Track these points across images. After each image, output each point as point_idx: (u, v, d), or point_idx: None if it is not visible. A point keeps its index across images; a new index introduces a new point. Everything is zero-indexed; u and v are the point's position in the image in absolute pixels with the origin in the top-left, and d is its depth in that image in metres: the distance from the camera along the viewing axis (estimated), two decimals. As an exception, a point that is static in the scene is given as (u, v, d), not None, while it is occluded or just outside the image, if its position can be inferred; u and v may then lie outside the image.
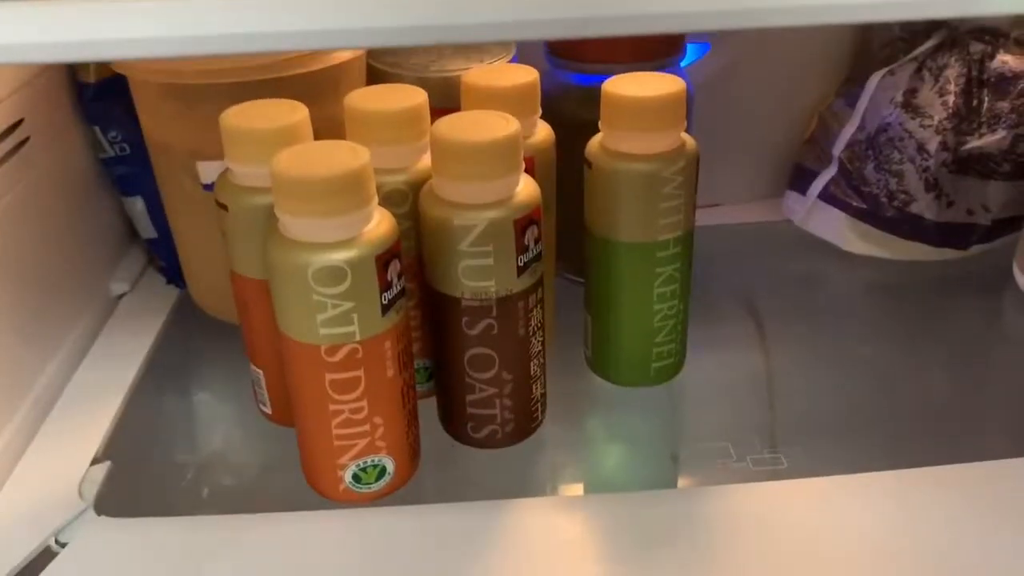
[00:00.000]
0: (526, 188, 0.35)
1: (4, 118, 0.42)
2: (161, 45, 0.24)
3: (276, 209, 0.31)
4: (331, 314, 0.32)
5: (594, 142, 0.39)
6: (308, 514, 0.36)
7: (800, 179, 0.56)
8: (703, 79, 0.55)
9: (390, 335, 0.33)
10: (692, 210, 0.39)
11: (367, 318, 0.32)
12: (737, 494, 0.37)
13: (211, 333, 0.48)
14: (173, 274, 0.52)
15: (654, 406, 0.43)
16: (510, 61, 0.46)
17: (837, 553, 0.34)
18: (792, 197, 0.56)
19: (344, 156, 0.31)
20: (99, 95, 0.47)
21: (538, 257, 0.36)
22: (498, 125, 0.34)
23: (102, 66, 0.47)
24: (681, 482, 0.40)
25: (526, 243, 0.35)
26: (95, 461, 0.40)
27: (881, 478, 0.37)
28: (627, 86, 0.37)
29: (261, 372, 0.39)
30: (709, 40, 0.54)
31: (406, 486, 0.37)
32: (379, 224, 0.32)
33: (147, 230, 0.52)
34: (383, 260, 0.32)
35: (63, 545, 0.35)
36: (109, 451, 0.40)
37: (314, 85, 0.41)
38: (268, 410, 0.40)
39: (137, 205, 0.51)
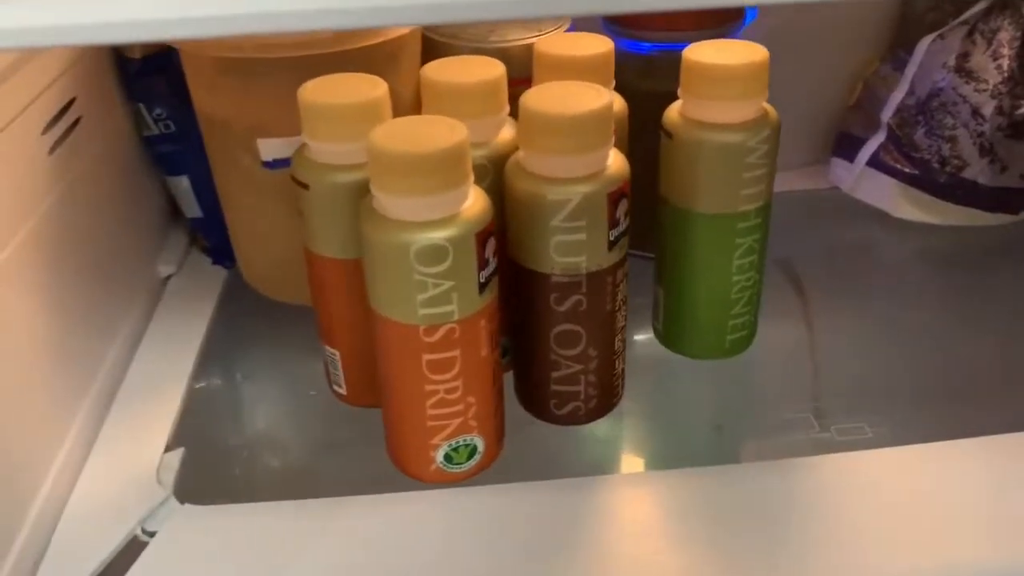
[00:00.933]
0: (616, 160, 0.34)
1: (57, 98, 0.40)
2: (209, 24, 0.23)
3: (373, 187, 0.31)
4: (432, 294, 0.31)
5: (673, 111, 0.38)
6: (399, 495, 0.36)
7: (847, 146, 0.55)
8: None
9: (485, 313, 0.33)
10: (772, 180, 0.38)
11: (466, 297, 0.31)
12: (827, 464, 0.36)
13: (264, 314, 0.47)
14: (219, 254, 0.51)
15: (729, 378, 0.43)
16: (567, 29, 0.45)
17: (935, 520, 0.34)
18: (839, 164, 0.56)
19: (442, 132, 0.30)
20: (144, 72, 0.46)
21: (627, 231, 0.35)
22: (589, 96, 0.33)
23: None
24: (765, 454, 0.39)
25: (617, 217, 0.34)
26: (168, 448, 0.39)
27: (964, 445, 0.37)
28: (710, 54, 0.36)
29: (337, 353, 0.39)
30: (756, 5, 0.54)
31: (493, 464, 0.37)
32: (476, 201, 0.31)
33: (192, 209, 0.50)
34: (482, 237, 0.31)
35: (150, 534, 0.35)
36: (180, 437, 0.40)
37: (373, 59, 0.40)
38: (343, 391, 0.40)
39: (182, 184, 0.50)
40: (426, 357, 0.32)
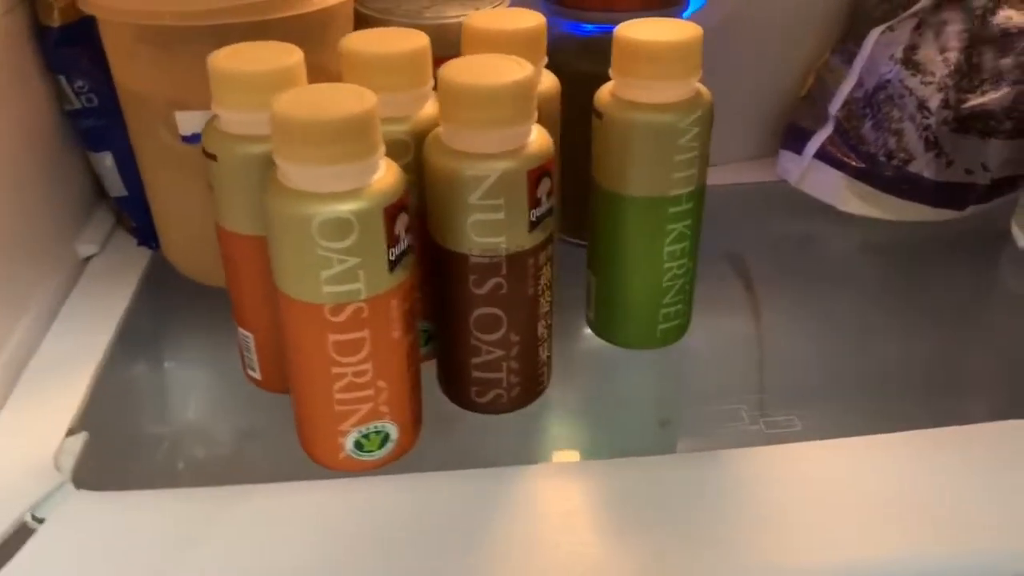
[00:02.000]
0: (539, 137, 0.33)
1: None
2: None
3: (276, 156, 0.29)
4: (336, 270, 0.29)
5: (604, 91, 0.37)
6: (303, 484, 0.34)
7: (795, 138, 0.54)
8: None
9: (397, 293, 0.31)
10: (705, 164, 0.37)
11: (374, 275, 0.30)
12: (753, 457, 0.35)
13: (187, 296, 0.45)
14: (145, 235, 0.49)
15: (660, 369, 0.42)
16: (508, 7, 0.44)
17: (856, 512, 0.32)
18: (787, 157, 0.55)
19: (350, 100, 0.29)
20: (63, 41, 0.44)
21: (550, 212, 0.34)
22: (511, 68, 0.32)
23: (67, 8, 0.43)
24: (694, 446, 0.38)
25: (539, 196, 0.33)
26: (70, 432, 0.37)
27: (891, 439, 0.36)
28: (642, 31, 0.35)
29: (251, 335, 0.37)
30: (705, -7, 0.53)
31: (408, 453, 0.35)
32: (387, 174, 0.30)
33: (117, 188, 0.48)
34: (392, 212, 0.30)
35: (40, 521, 0.33)
36: (84, 421, 0.38)
37: (300, 30, 0.38)
38: (257, 376, 0.38)
39: (106, 161, 0.48)
40: (332, 338, 0.31)
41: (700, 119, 0.35)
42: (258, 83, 0.32)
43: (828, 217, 0.53)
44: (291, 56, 0.33)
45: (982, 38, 0.49)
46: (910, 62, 0.50)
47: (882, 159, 0.51)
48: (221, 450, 0.39)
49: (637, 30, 0.35)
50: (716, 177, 0.56)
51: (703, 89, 0.36)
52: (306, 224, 0.29)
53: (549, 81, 0.38)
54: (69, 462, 0.35)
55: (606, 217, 0.38)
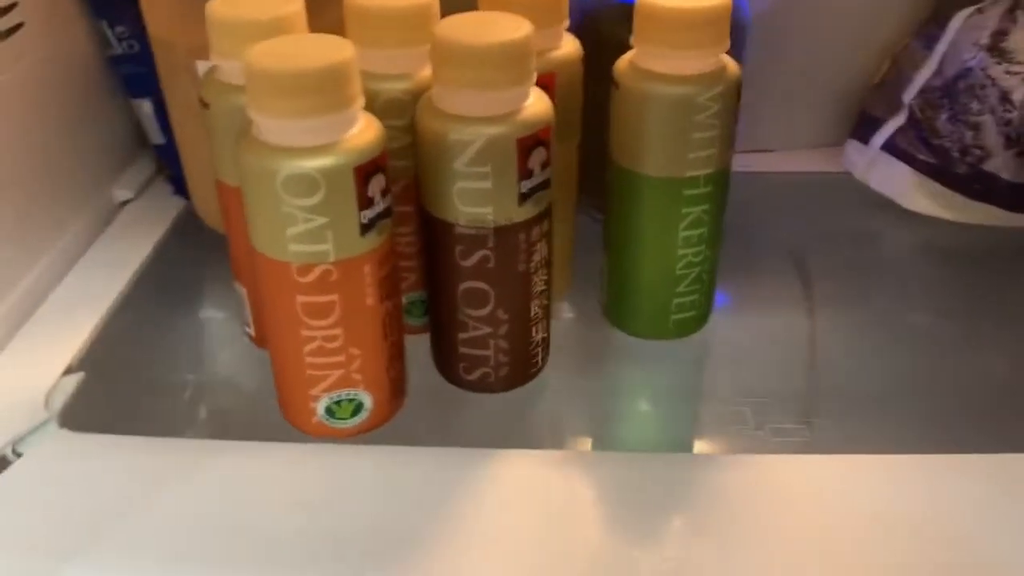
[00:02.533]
0: (536, 104, 0.31)
1: (-6, 0, 0.39)
2: None
3: (248, 107, 0.28)
4: (302, 229, 0.28)
5: (624, 60, 0.34)
6: (274, 445, 0.33)
7: (864, 127, 0.50)
8: (763, 8, 0.50)
9: (370, 258, 0.30)
10: (729, 145, 0.34)
11: (343, 237, 0.29)
12: (738, 464, 0.33)
13: (211, 247, 0.45)
14: (180, 184, 0.49)
15: (671, 361, 0.39)
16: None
17: (831, 537, 0.29)
18: (853, 147, 0.51)
19: (326, 50, 0.28)
20: (106, -14, 0.44)
21: (545, 185, 0.32)
22: (508, 27, 0.30)
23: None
24: (685, 446, 0.36)
25: (530, 167, 0.31)
26: (68, 371, 0.37)
27: (902, 462, 0.33)
28: (665, -3, 0.32)
29: (244, 290, 0.37)
30: (774, -35, 0.49)
31: (389, 425, 0.34)
32: (363, 131, 0.29)
33: (156, 135, 0.49)
34: (363, 172, 0.28)
35: (19, 455, 0.33)
36: (84, 362, 0.38)
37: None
38: (251, 331, 0.38)
39: (144, 108, 0.48)
40: (300, 299, 0.30)
41: (722, 95, 0.33)
42: (253, 30, 0.31)
43: (893, 214, 0.49)
44: (290, 4, 0.32)
45: (1082, 26, 0.44)
46: (996, 49, 0.45)
47: (955, 155, 0.46)
48: (213, 403, 0.39)
49: (661, -5, 0.32)
50: (777, 163, 0.54)
51: (730, 63, 0.33)
52: (271, 179, 0.28)
53: (571, 46, 0.36)
54: (59, 401, 0.36)
55: (620, 196, 0.36)
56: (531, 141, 0.30)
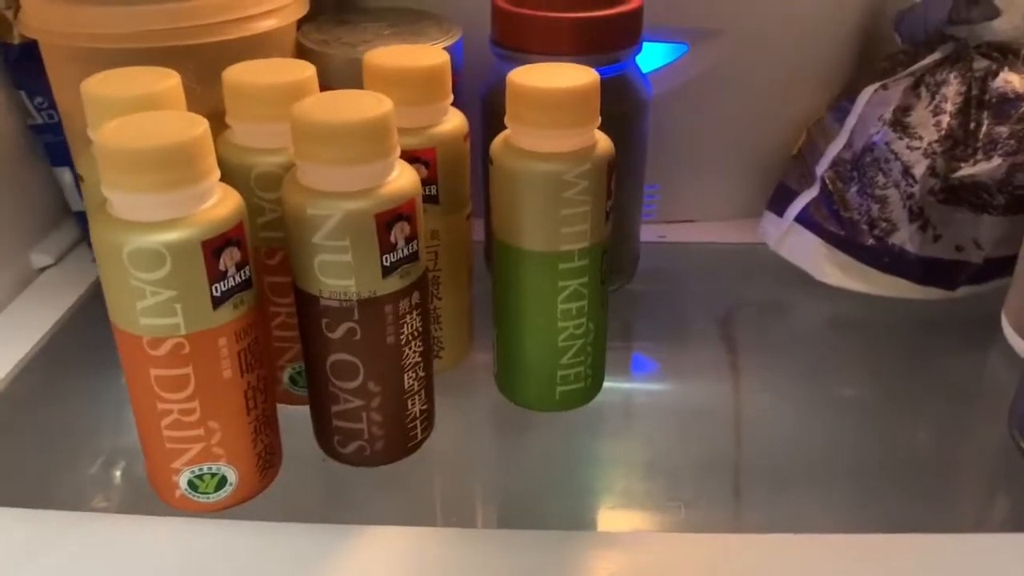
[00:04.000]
0: (400, 178, 0.31)
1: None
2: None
3: (101, 182, 0.28)
4: (151, 302, 0.28)
5: (499, 138, 0.35)
6: (137, 518, 0.33)
7: (780, 199, 0.51)
8: (682, 82, 0.51)
9: (225, 332, 0.30)
10: (603, 221, 0.35)
11: (194, 310, 0.29)
12: (593, 542, 0.32)
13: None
14: (99, 251, 0.49)
15: (568, 426, 0.39)
16: (451, 46, 0.42)
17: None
18: (769, 218, 0.51)
19: (177, 127, 0.28)
20: (23, 58, 0.45)
21: (412, 258, 0.32)
22: (366, 105, 0.30)
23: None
24: (552, 522, 0.35)
25: (392, 240, 0.31)
26: (-44, 438, 0.37)
27: (776, 541, 0.32)
28: (534, 77, 0.33)
29: (126, 360, 0.36)
30: (687, 40, 0.50)
31: (265, 496, 0.34)
32: (217, 205, 0.29)
33: (76, 202, 0.49)
34: (212, 246, 0.28)
35: None
36: (-24, 429, 0.38)
37: (230, 58, 0.38)
38: (135, 402, 0.37)
39: (65, 176, 0.49)
40: (154, 372, 0.30)
41: (591, 171, 0.33)
42: (122, 107, 0.31)
43: (807, 286, 0.49)
44: (164, 81, 0.32)
45: (980, 103, 0.44)
46: (899, 124, 0.45)
47: (864, 227, 0.46)
48: (96, 474, 0.39)
49: (529, 76, 0.33)
50: (695, 234, 0.54)
51: (603, 140, 0.34)
52: (118, 252, 0.28)
53: (455, 122, 0.36)
54: (-64, 471, 0.36)
55: (501, 269, 0.36)
56: (390, 215, 0.30)
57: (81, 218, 0.50)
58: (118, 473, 0.40)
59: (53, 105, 0.47)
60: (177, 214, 0.28)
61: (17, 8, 0.44)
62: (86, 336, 0.46)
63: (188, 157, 0.28)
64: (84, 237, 0.52)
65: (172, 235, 0.28)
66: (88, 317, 0.46)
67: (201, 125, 0.28)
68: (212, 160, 0.29)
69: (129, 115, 0.29)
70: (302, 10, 0.42)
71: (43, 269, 0.49)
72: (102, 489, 0.39)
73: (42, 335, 0.44)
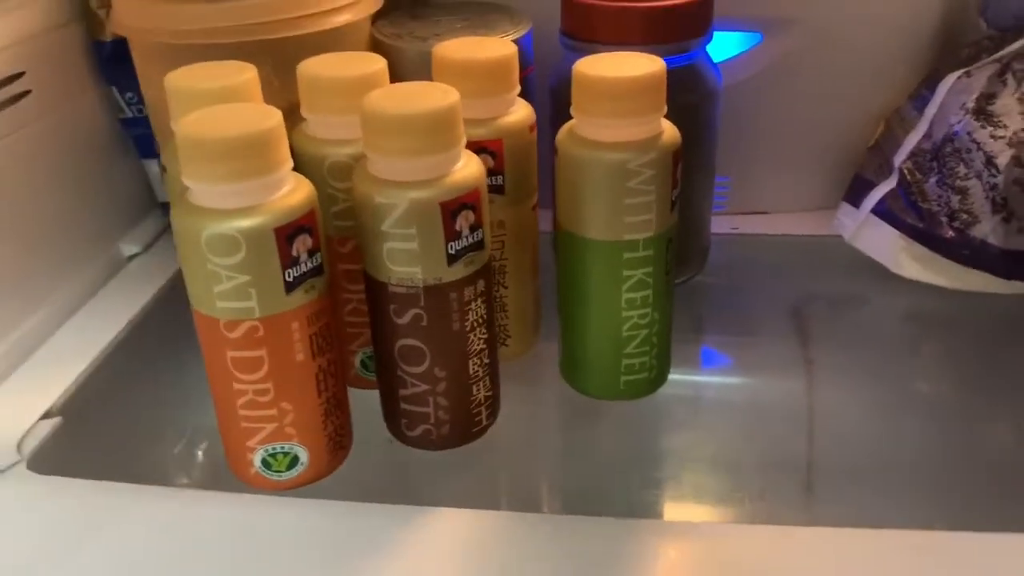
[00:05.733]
0: (465, 168, 0.32)
1: (1, 69, 0.42)
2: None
3: (181, 172, 0.30)
4: (227, 286, 0.30)
5: (565, 128, 0.35)
6: (215, 494, 0.34)
7: (856, 191, 0.50)
8: (756, 72, 0.50)
9: (298, 315, 0.31)
10: (669, 210, 0.34)
11: (268, 295, 0.30)
12: (692, 533, 0.32)
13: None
14: (184, 240, 0.51)
15: (634, 419, 0.39)
16: (521, 38, 0.43)
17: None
18: (844, 210, 0.50)
19: (253, 118, 0.29)
20: (115, 55, 0.48)
21: (477, 246, 0.32)
22: (434, 97, 0.31)
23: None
24: (617, 511, 0.35)
25: (457, 228, 0.31)
26: (47, 416, 0.39)
27: (846, 536, 0.32)
28: (599, 66, 0.33)
29: (207, 343, 0.38)
30: (762, 29, 0.49)
31: (335, 477, 0.35)
32: (291, 193, 0.30)
33: (161, 193, 0.52)
34: (285, 232, 0.29)
35: (-16, 495, 0.35)
36: (65, 408, 0.40)
37: (308, 51, 0.39)
38: (214, 383, 0.39)
39: (153, 168, 0.51)
40: (230, 353, 0.31)
41: (655, 161, 0.33)
42: (205, 98, 0.33)
43: (883, 280, 0.48)
44: (243, 74, 0.34)
45: (1070, 89, 0.42)
46: (983, 112, 0.44)
47: (943, 219, 0.45)
48: (189, 452, 0.41)
49: (594, 65, 0.33)
50: (768, 226, 0.53)
51: (669, 129, 0.34)
52: (196, 238, 0.29)
53: (521, 113, 0.37)
54: (31, 444, 0.38)
55: (566, 258, 0.36)
56: (455, 204, 0.31)
57: (166, 208, 0.52)
58: (200, 452, 0.42)
59: (142, 100, 0.49)
60: (252, 202, 0.29)
61: (109, 7, 0.47)
62: (171, 320, 0.47)
63: (263, 147, 0.29)
64: (169, 227, 0.54)
65: (246, 222, 0.29)
66: (173, 302, 0.48)
67: (275, 117, 0.29)
68: (285, 150, 0.30)
69: (208, 107, 0.30)
70: (376, 5, 0.43)
71: (131, 257, 0.52)
72: (184, 468, 0.41)
73: (130, 319, 0.46)
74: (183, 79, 0.34)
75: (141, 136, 0.50)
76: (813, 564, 0.30)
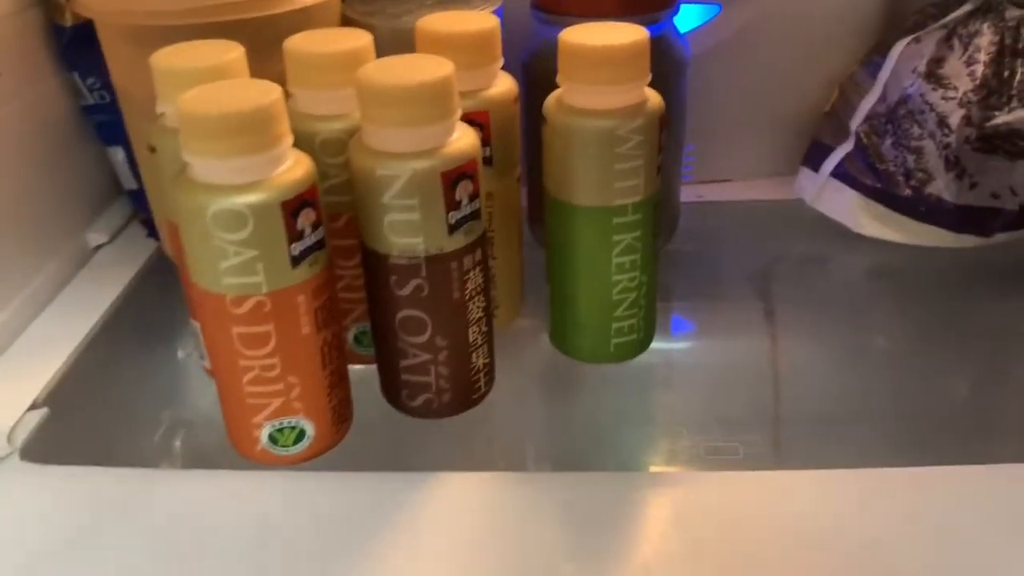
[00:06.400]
0: (461, 139, 0.32)
1: (-35, 56, 0.41)
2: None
3: (182, 149, 0.30)
4: (233, 262, 0.30)
5: (552, 96, 0.36)
6: (224, 473, 0.35)
7: (815, 155, 0.52)
8: (715, 43, 0.51)
9: (303, 289, 0.31)
10: (655, 175, 0.36)
11: (274, 269, 0.30)
12: (689, 481, 0.33)
13: (180, 288, 0.47)
14: (153, 226, 0.51)
15: (619, 385, 0.40)
16: (495, 11, 0.43)
17: (757, 550, 0.30)
18: (805, 174, 0.52)
19: (253, 93, 0.29)
20: (76, 39, 0.47)
21: (474, 215, 0.33)
22: (429, 68, 0.31)
23: (74, 8, 0.46)
24: (622, 464, 0.37)
25: (457, 198, 0.32)
26: (33, 407, 0.39)
27: (867, 475, 0.33)
28: (585, 35, 0.34)
29: (199, 325, 0.38)
30: (721, 1, 0.51)
31: (337, 451, 0.35)
32: (292, 168, 0.30)
33: (128, 181, 0.51)
34: (291, 207, 0.30)
35: (-21, 487, 0.35)
36: (50, 399, 0.40)
37: (280, 31, 0.39)
38: (206, 364, 0.39)
39: (118, 155, 0.50)
40: (236, 330, 0.31)
41: (643, 127, 0.34)
42: (193, 78, 0.32)
43: (845, 239, 0.50)
44: (230, 52, 0.34)
45: (1013, 51, 0.45)
46: (933, 75, 0.46)
47: (900, 179, 0.47)
48: (174, 435, 0.40)
49: (580, 34, 0.34)
50: (733, 192, 0.55)
51: (653, 96, 0.35)
52: (202, 215, 0.29)
53: (505, 84, 0.37)
54: (21, 435, 0.37)
55: (555, 226, 0.37)
56: (455, 174, 0.32)
57: (133, 196, 0.51)
58: (178, 443, 0.42)
59: (105, 86, 0.48)
60: (257, 177, 0.29)
61: (69, -9, 0.46)
62: (146, 309, 0.47)
63: (268, 122, 0.29)
64: (135, 215, 0.53)
65: (254, 197, 0.29)
66: (147, 291, 0.48)
67: (275, 91, 0.30)
68: (287, 124, 0.30)
69: (206, 84, 0.30)
70: (347, -17, 0.43)
71: (99, 247, 0.51)
72: (166, 456, 0.41)
73: (106, 308, 0.45)
74: (170, 59, 0.33)
75: (104, 123, 0.49)
76: (786, 504, 0.32)
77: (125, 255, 0.50)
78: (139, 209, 0.52)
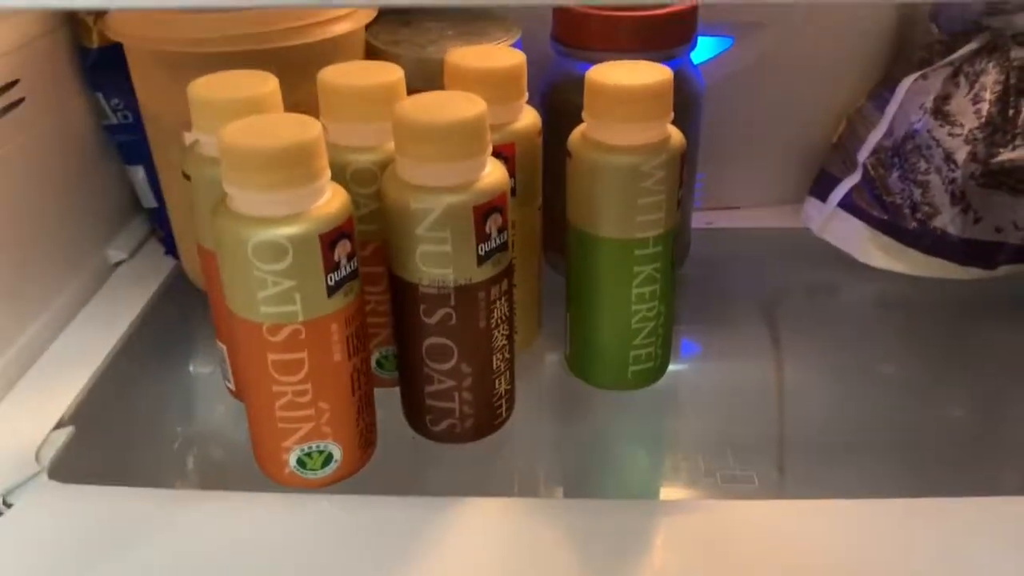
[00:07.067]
0: (492, 173, 0.33)
1: (-1, 77, 0.42)
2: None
3: (223, 181, 0.30)
4: (272, 292, 0.31)
5: (577, 132, 0.37)
6: (252, 495, 0.35)
7: (822, 185, 0.53)
8: (727, 74, 0.53)
9: (337, 318, 0.32)
10: (675, 208, 0.37)
11: (311, 299, 0.31)
12: (705, 509, 0.34)
13: (200, 305, 0.47)
14: (172, 245, 0.51)
15: (632, 410, 0.41)
16: (513, 44, 0.44)
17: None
18: (812, 204, 0.53)
19: (294, 129, 0.30)
20: (101, 61, 0.47)
21: (503, 247, 0.34)
22: (463, 106, 0.32)
23: (105, 32, 0.47)
24: (651, 494, 0.38)
25: (487, 231, 0.33)
26: (59, 425, 0.39)
27: (871, 507, 0.34)
28: (611, 74, 0.35)
29: (224, 347, 0.39)
30: (733, 34, 0.52)
31: (361, 475, 0.36)
32: (330, 201, 0.31)
33: (148, 199, 0.51)
34: (329, 239, 0.31)
35: (9, 505, 0.35)
36: (75, 417, 0.40)
37: (308, 59, 0.40)
38: (231, 386, 0.40)
39: (138, 174, 0.51)
40: (271, 357, 0.32)
41: (666, 163, 0.35)
42: (229, 109, 0.33)
43: (851, 269, 0.51)
44: (266, 85, 0.34)
45: (1019, 90, 0.46)
46: (940, 112, 0.48)
47: (906, 211, 0.49)
48: (197, 454, 0.41)
49: (607, 73, 0.35)
50: (741, 220, 0.56)
51: (675, 133, 0.36)
52: (243, 246, 0.30)
53: (529, 119, 0.38)
54: (49, 454, 0.38)
55: (577, 256, 0.38)
56: (487, 208, 0.33)
57: (152, 214, 0.52)
58: (191, 459, 0.42)
59: (128, 106, 0.49)
60: (298, 209, 0.30)
61: (97, 14, 0.47)
62: (167, 327, 0.48)
63: (309, 157, 0.30)
64: (154, 232, 0.54)
65: (294, 229, 0.30)
66: (167, 308, 0.49)
67: (316, 127, 0.30)
68: (326, 159, 0.31)
69: (247, 118, 0.31)
70: (372, 13, 0.44)
71: (118, 263, 0.51)
72: (183, 474, 0.41)
73: (128, 326, 0.46)
74: (207, 89, 0.34)
75: (126, 143, 0.50)
76: (801, 535, 0.33)
77: (144, 272, 0.51)
78: (157, 227, 0.52)
